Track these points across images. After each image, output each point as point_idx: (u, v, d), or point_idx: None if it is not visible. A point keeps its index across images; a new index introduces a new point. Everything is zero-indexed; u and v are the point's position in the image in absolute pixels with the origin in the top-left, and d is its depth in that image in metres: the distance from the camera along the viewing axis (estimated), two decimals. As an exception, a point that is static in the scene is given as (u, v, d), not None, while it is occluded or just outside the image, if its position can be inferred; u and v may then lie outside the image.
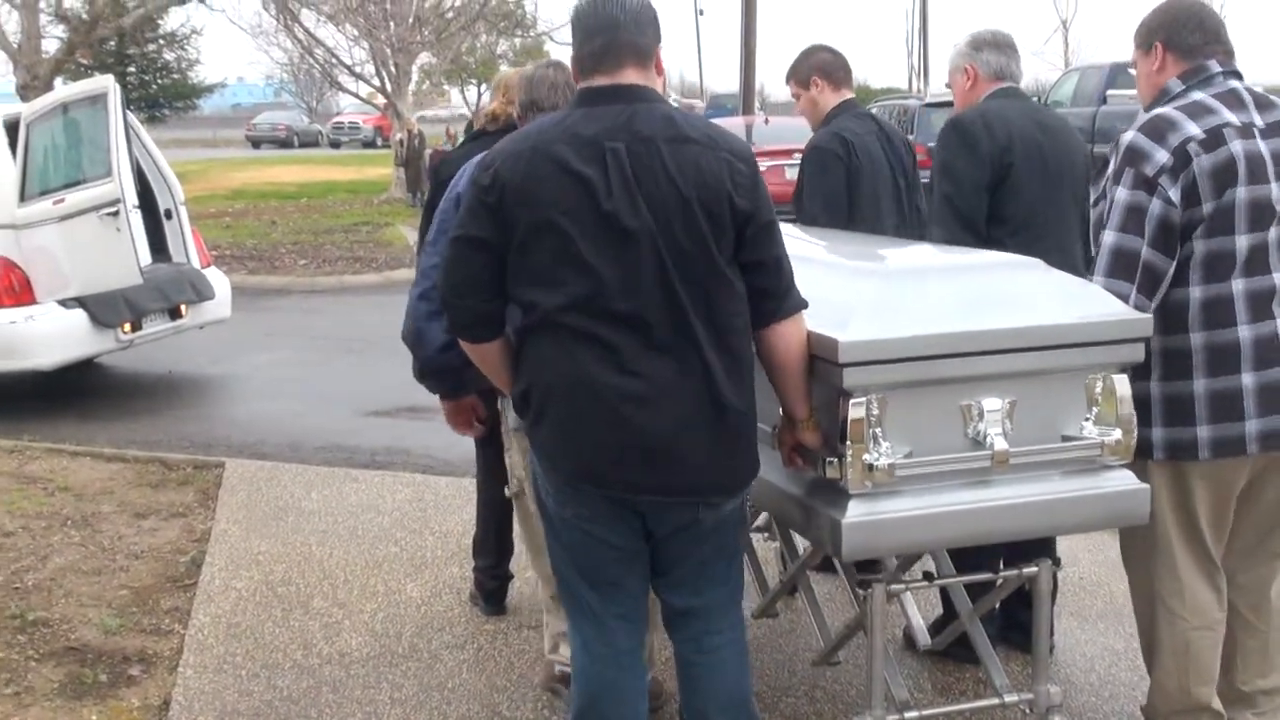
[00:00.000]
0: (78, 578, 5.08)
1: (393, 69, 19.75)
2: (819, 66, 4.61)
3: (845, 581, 3.72)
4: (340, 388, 9.04)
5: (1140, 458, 3.16)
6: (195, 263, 9.30)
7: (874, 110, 5.06)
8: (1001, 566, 3.50)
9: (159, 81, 46.32)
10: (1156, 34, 3.33)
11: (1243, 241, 3.16)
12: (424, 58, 22.37)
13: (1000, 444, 2.95)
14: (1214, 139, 3.13)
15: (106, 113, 7.83)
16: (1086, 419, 3.08)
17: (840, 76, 4.62)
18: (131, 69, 42.38)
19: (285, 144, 50.19)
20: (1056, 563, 3.49)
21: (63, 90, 8.73)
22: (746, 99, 25.32)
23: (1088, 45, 45.19)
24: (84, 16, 20.32)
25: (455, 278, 2.97)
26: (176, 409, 8.54)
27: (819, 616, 3.84)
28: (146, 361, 9.71)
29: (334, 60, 21.18)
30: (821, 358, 2.93)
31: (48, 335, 8.05)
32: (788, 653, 4.29)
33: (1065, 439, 3.06)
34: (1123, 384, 3.06)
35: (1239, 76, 3.28)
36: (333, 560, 5.26)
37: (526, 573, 4.56)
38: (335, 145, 49.66)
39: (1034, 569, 3.47)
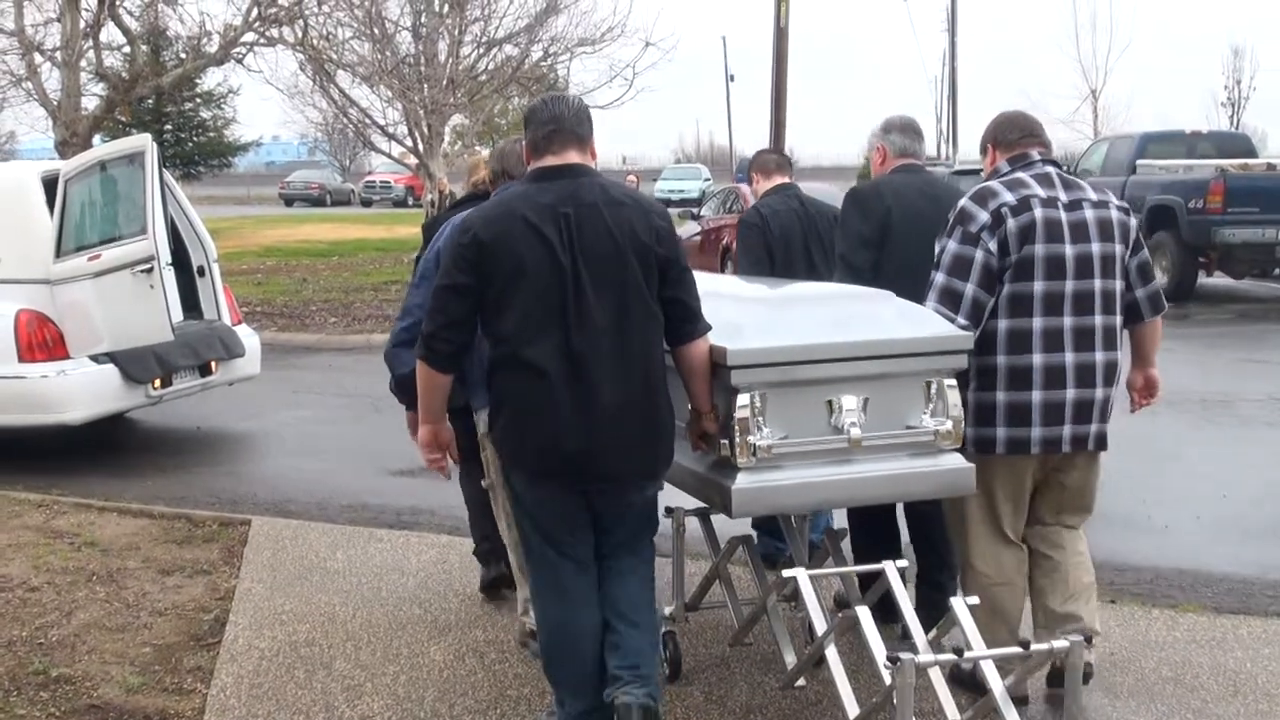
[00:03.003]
0: (101, 634, 5.08)
1: (425, 130, 19.88)
2: (755, 165, 5.99)
3: (872, 654, 3.68)
4: (367, 446, 9.04)
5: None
6: (226, 319, 9.37)
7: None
8: (1027, 642, 3.47)
9: (195, 139, 46.99)
10: (988, 138, 4.47)
11: (1039, 287, 4.12)
12: (456, 119, 22.53)
13: (856, 432, 3.82)
14: (1022, 206, 4.13)
15: (143, 171, 7.92)
16: (924, 413, 3.94)
17: (771, 168, 5.86)
18: (169, 127, 43.03)
19: (318, 202, 50.64)
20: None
21: (101, 148, 8.83)
22: (776, 164, 25.43)
23: (1116, 115, 45.30)
24: (124, 75, 20.60)
25: (440, 320, 3.74)
26: (204, 465, 8.56)
27: (846, 689, 3.79)
28: (176, 417, 9.76)
29: (367, 120, 21.31)
30: (717, 363, 3.80)
31: (79, 390, 8.10)
32: (813, 725, 4.24)
33: (908, 428, 3.93)
34: (952, 385, 3.94)
35: (1056, 165, 4.32)
36: (356, 621, 5.24)
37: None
38: (367, 204, 50.07)
39: (1064, 643, 3.46)
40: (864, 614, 3.71)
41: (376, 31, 19.59)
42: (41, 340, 8.00)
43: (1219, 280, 18.26)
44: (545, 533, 3.87)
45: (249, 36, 19.60)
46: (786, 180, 5.83)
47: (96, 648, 4.94)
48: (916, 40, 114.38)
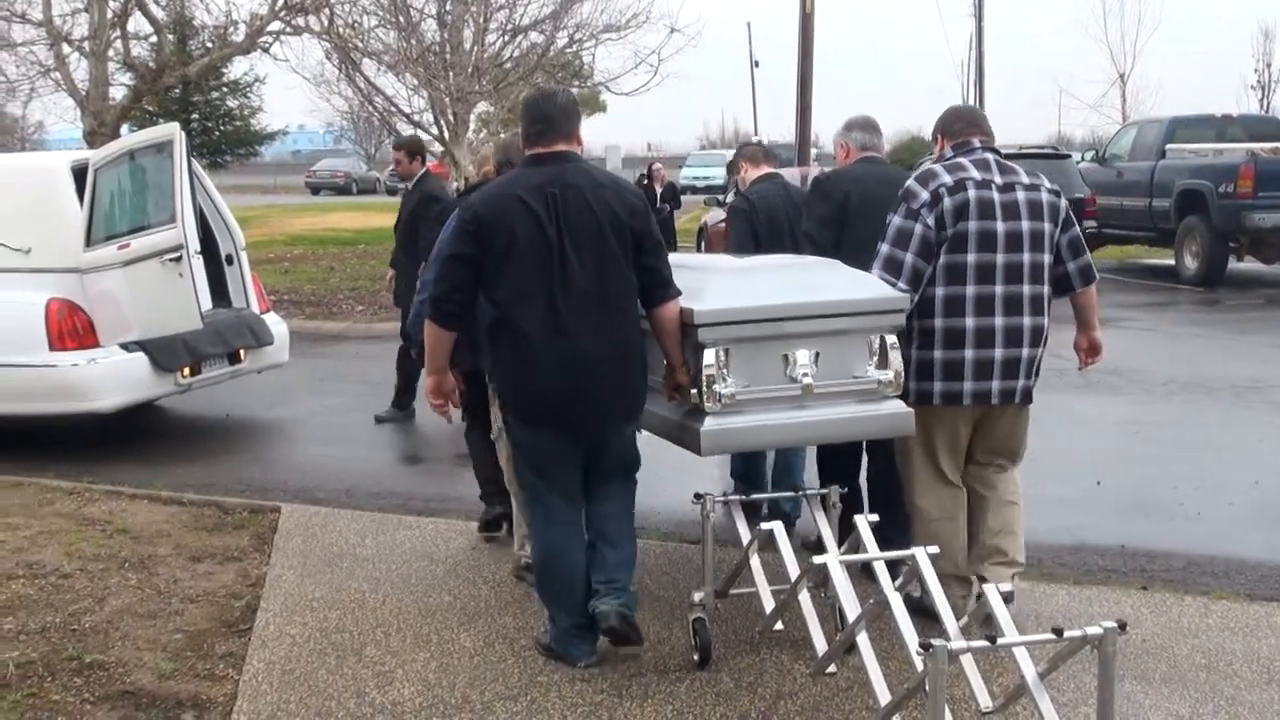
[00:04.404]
0: (134, 620, 5.11)
1: (451, 117, 19.85)
2: (744, 155, 6.68)
3: (905, 641, 3.67)
4: (395, 433, 9.07)
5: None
6: (255, 308, 9.40)
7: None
8: (1054, 628, 3.45)
9: (222, 128, 47.06)
10: (938, 128, 5.06)
11: (971, 259, 4.69)
12: (482, 106, 22.48)
13: (808, 381, 4.43)
14: (958, 186, 4.71)
15: (172, 160, 7.94)
16: (869, 364, 4.53)
17: (759, 159, 6.55)
18: (195, 116, 43.06)
19: (344, 190, 50.69)
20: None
21: (130, 137, 8.86)
22: (802, 150, 25.41)
23: (1145, 99, 44.96)
24: (151, 65, 20.61)
25: (447, 284, 4.47)
26: (234, 453, 8.60)
27: (877, 676, 3.79)
28: (205, 405, 9.81)
29: (393, 109, 21.29)
30: (686, 323, 4.40)
31: (109, 378, 8.14)
32: (845, 710, 4.22)
33: (854, 377, 4.53)
34: (892, 340, 4.52)
35: (995, 151, 4.89)
36: (386, 608, 5.26)
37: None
38: (392, 192, 49.84)
39: (1098, 630, 3.44)
40: (895, 601, 3.70)
41: (402, 19, 19.58)
42: (72, 329, 8.04)
43: (1250, 265, 18.12)
44: (536, 468, 4.58)
45: (275, 25, 19.60)
46: (772, 170, 6.52)
47: (129, 634, 4.97)
48: (943, 25, 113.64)
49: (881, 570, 4.28)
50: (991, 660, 4.39)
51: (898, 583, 3.97)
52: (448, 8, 20.18)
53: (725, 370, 4.37)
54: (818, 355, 4.45)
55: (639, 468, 4.75)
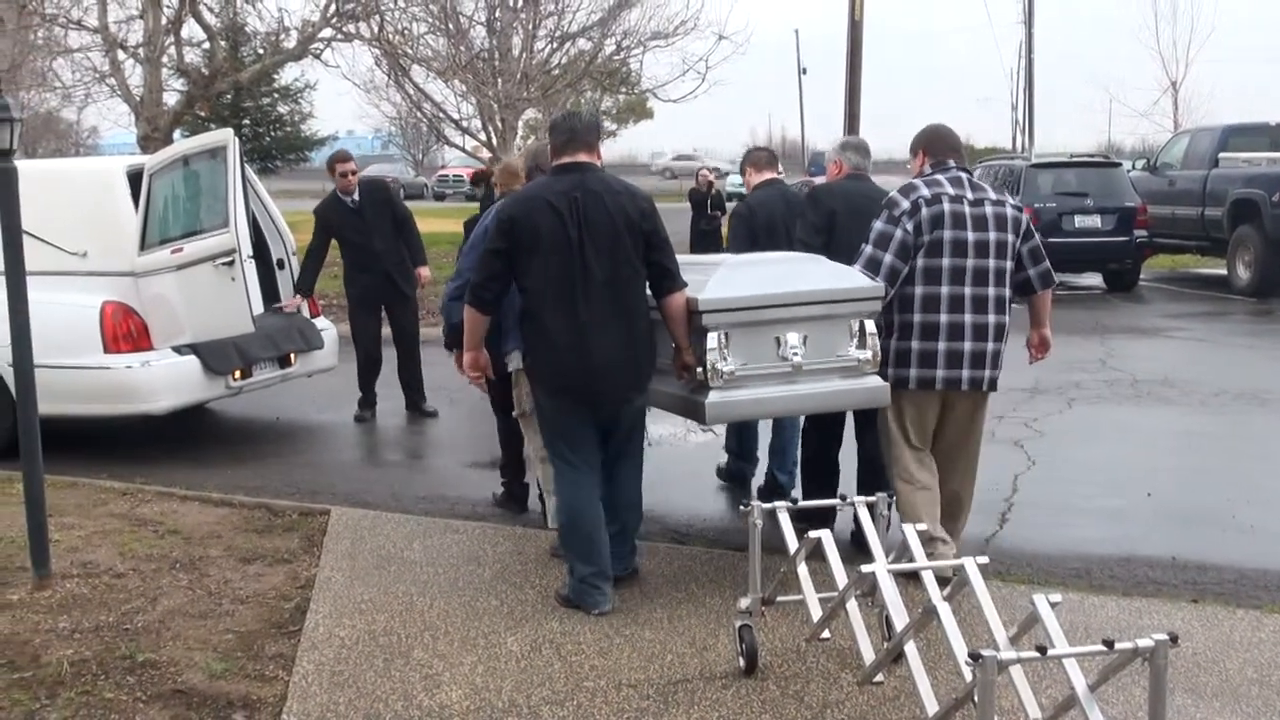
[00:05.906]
0: (185, 620, 5.17)
1: (499, 124, 19.97)
2: (749, 161, 7.17)
3: (953, 651, 3.65)
4: (442, 438, 9.11)
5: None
6: (305, 312, 9.48)
7: (978, 169, 5.98)
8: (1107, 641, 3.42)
9: (273, 134, 47.53)
10: (919, 144, 5.76)
11: (945, 263, 5.41)
12: (530, 113, 22.60)
13: (798, 360, 5.16)
14: (934, 199, 5.43)
15: (225, 165, 8.03)
16: (851, 345, 5.26)
17: (762, 164, 7.08)
18: (247, 121, 43.50)
19: (391, 196, 50.77)
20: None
21: (184, 143, 8.96)
22: (850, 157, 25.24)
23: (1197, 107, 44.41)
24: (204, 71, 20.89)
25: (483, 275, 5.18)
26: (283, 455, 8.67)
27: (925, 686, 3.77)
28: (255, 408, 9.90)
29: (441, 114, 21.45)
30: (691, 310, 5.11)
31: (162, 380, 8.23)
32: (891, 721, 4.21)
33: (838, 356, 5.24)
34: (870, 325, 5.25)
35: (967, 171, 5.62)
36: (434, 611, 5.29)
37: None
38: (439, 198, 50.34)
39: (1150, 642, 3.40)
40: (944, 611, 3.68)
41: (451, 26, 19.73)
42: (126, 331, 8.14)
43: (1304, 275, 17.87)
44: (559, 435, 5.29)
45: (326, 32, 19.80)
46: (774, 175, 7.07)
47: (181, 634, 5.02)
48: (993, 32, 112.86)
49: (929, 579, 4.27)
50: (1040, 671, 4.36)
51: (945, 591, 3.96)
52: (497, 15, 20.29)
53: (726, 351, 5.08)
54: (806, 337, 5.17)
55: (645, 438, 5.55)
